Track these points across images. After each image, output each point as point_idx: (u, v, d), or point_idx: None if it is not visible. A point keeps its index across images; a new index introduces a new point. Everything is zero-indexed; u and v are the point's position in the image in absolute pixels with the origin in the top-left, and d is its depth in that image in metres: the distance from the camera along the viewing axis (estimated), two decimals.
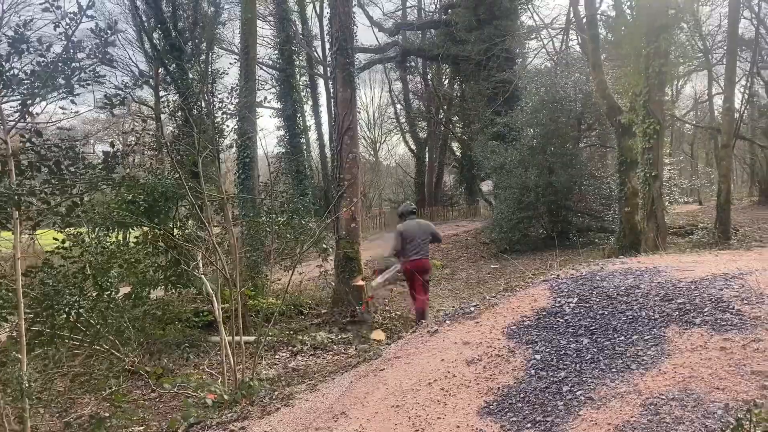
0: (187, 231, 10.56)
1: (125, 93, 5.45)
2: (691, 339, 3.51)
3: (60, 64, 4.89)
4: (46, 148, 4.92)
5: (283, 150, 23.67)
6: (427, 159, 32.68)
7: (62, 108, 4.97)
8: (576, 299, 4.34)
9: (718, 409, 2.89)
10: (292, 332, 9.56)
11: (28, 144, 4.88)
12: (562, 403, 3.33)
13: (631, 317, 3.93)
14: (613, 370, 3.48)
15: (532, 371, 3.71)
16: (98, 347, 6.07)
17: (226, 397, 5.19)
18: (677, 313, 3.81)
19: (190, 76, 20.70)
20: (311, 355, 8.61)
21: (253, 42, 14.03)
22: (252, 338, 8.91)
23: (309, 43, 25.36)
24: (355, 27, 11.80)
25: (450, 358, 4.10)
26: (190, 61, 21.54)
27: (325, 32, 26.81)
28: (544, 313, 4.32)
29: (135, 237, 8.98)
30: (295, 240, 9.97)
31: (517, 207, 17.03)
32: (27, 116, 4.77)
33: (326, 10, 26.53)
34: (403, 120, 34.16)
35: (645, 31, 11.25)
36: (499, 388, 3.65)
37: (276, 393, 4.70)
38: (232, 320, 7.72)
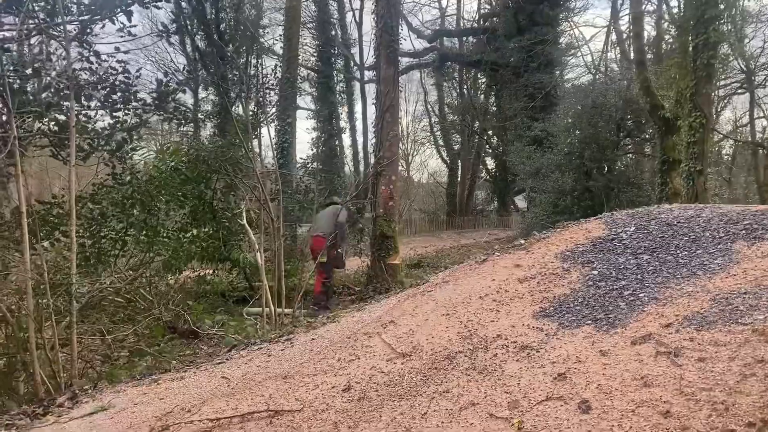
0: (227, 203, 10.63)
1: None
2: (762, 249, 3.36)
3: None
4: (104, 70, 5.01)
5: (318, 150, 23.75)
6: (460, 170, 32.55)
7: (120, 32, 5.05)
8: (633, 228, 4.20)
9: None
10: None
11: (86, 63, 4.97)
12: (624, 303, 3.20)
13: (693, 238, 3.78)
14: (678, 277, 3.34)
15: (590, 283, 3.58)
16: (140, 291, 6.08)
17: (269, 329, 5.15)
18: (744, 231, 3.66)
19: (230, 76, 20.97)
20: None
21: (296, 29, 14.22)
22: (288, 311, 8.93)
23: (347, 47, 25.56)
24: (401, 4, 11.87)
25: (501, 278, 3.99)
26: (231, 62, 21.83)
27: (363, 37, 27.13)
28: (599, 240, 4.18)
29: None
30: None
31: (552, 211, 16.72)
32: (87, 33, 4.87)
33: (366, 17, 26.90)
34: (437, 130, 34.15)
35: (693, 23, 11.09)
36: (554, 297, 3.53)
37: (320, 317, 4.64)
38: (275, 289, 7.67)
